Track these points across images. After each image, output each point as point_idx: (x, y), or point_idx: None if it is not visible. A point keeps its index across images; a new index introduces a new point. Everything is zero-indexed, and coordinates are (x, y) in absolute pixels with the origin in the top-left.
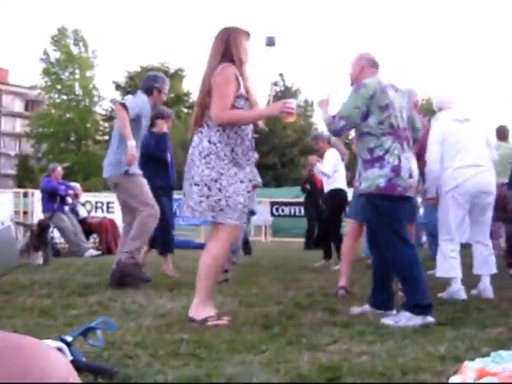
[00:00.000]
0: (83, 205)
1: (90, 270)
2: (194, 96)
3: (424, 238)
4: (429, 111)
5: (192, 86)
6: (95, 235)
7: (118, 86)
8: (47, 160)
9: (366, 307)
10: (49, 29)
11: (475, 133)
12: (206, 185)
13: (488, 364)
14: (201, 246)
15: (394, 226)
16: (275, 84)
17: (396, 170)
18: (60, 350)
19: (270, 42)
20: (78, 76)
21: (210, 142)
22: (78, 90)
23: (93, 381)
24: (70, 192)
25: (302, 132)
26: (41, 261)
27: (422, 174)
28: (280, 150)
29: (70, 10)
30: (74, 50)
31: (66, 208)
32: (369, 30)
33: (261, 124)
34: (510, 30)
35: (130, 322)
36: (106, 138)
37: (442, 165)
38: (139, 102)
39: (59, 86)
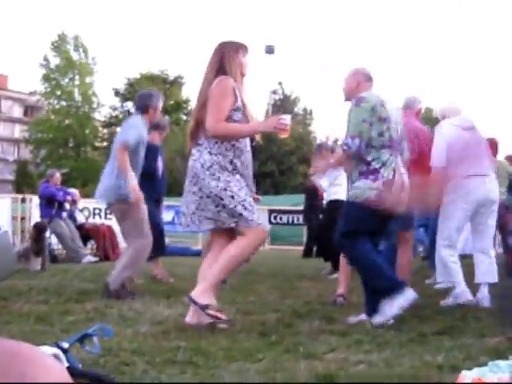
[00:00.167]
0: (81, 211)
1: (88, 276)
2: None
3: (420, 248)
4: (428, 120)
5: (191, 93)
6: (93, 241)
7: (117, 93)
8: (46, 166)
9: (363, 316)
10: (49, 35)
11: (480, 141)
12: (216, 195)
13: (485, 374)
14: (198, 253)
15: (356, 233)
16: (274, 92)
17: (388, 185)
18: (56, 356)
19: (269, 50)
20: (77, 82)
21: (210, 153)
22: (77, 97)
23: None
24: (68, 198)
25: (301, 140)
26: (39, 267)
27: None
28: (278, 158)
29: (70, 16)
30: (74, 56)
31: (64, 214)
32: (368, 39)
33: (257, 137)
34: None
35: (127, 328)
36: (105, 144)
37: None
38: (138, 131)
39: (59, 92)
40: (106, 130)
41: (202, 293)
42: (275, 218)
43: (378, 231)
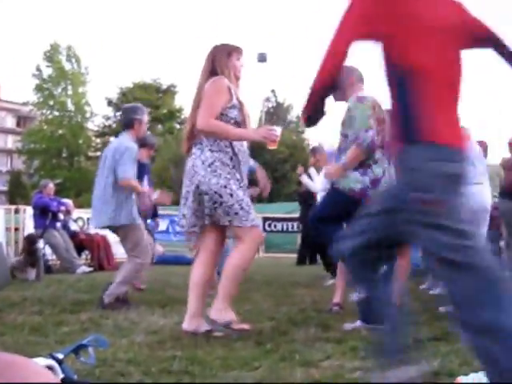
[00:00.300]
0: (75, 221)
1: (82, 286)
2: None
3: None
4: None
5: (184, 101)
6: (87, 251)
7: (110, 102)
8: (39, 176)
9: (358, 323)
10: (41, 45)
11: (475, 149)
12: (216, 192)
13: (482, 379)
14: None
15: (335, 219)
16: (267, 100)
17: (375, 183)
18: (51, 368)
19: (262, 59)
20: (70, 92)
21: (211, 150)
22: (70, 106)
23: None
24: (62, 208)
25: (294, 148)
26: (34, 277)
27: None
28: (272, 166)
29: (62, 26)
30: (67, 66)
31: (58, 224)
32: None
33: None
34: None
35: (122, 338)
36: (98, 154)
37: None
38: (134, 160)
39: (51, 102)
40: (99, 140)
41: (219, 312)
42: (269, 225)
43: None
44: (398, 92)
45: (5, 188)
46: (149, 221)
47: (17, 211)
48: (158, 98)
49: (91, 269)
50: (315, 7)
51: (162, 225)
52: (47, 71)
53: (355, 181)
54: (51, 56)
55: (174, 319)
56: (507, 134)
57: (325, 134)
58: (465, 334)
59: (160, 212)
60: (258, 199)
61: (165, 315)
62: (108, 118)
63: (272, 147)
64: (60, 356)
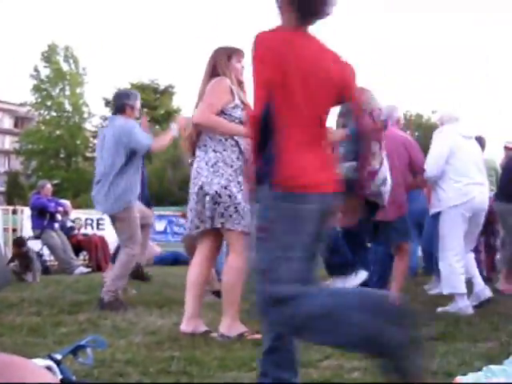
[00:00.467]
0: (73, 222)
1: (80, 287)
2: (184, 113)
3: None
4: (418, 126)
5: (182, 102)
6: (85, 252)
7: (107, 103)
8: (37, 177)
9: None
10: (39, 45)
11: (477, 150)
12: (216, 192)
13: (480, 379)
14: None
15: None
16: None
17: (372, 174)
18: (49, 368)
19: None
20: (68, 92)
21: (215, 151)
22: (67, 107)
23: None
24: (60, 209)
25: None
26: (37, 279)
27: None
28: None
29: (60, 27)
30: (64, 67)
31: (56, 225)
32: (358, 46)
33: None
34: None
35: (121, 339)
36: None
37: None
38: (137, 128)
39: (49, 103)
40: (96, 140)
41: (229, 328)
42: None
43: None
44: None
45: (2, 189)
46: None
47: (14, 212)
48: (156, 99)
49: (89, 269)
50: None
51: (160, 225)
52: (45, 72)
53: (352, 170)
54: (49, 56)
55: (172, 320)
56: (507, 133)
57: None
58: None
59: (157, 213)
60: None
61: (163, 316)
62: (105, 119)
63: None
64: (58, 357)
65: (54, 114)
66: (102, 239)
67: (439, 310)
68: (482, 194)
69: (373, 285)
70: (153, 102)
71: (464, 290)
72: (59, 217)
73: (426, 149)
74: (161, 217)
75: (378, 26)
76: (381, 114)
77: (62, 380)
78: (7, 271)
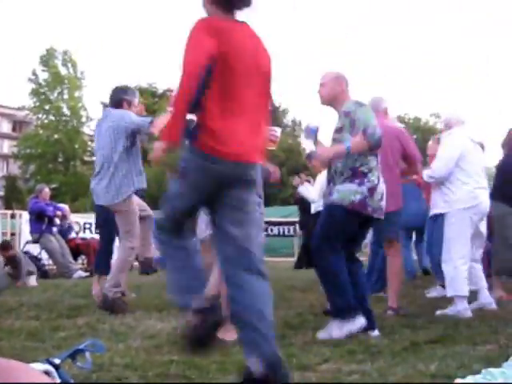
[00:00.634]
0: (71, 226)
1: (79, 291)
2: None
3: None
4: (417, 129)
5: None
6: (83, 256)
7: (105, 107)
8: (35, 181)
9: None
10: (37, 49)
11: (482, 156)
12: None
13: (479, 381)
14: None
15: (338, 238)
16: None
17: (371, 191)
18: (48, 373)
19: None
20: (66, 96)
21: None
22: (66, 111)
23: None
24: (58, 213)
25: (290, 151)
26: (35, 283)
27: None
28: (268, 170)
29: (58, 31)
30: (63, 71)
31: (54, 229)
32: (356, 50)
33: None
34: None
35: (119, 343)
36: (94, 158)
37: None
38: (133, 115)
39: (47, 107)
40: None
41: (229, 332)
42: (266, 229)
43: (356, 239)
44: None
45: (1, 193)
46: None
47: (13, 216)
48: (154, 103)
49: (88, 273)
50: (312, 12)
51: None
52: (43, 76)
53: (354, 192)
54: (47, 60)
55: (171, 323)
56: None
57: (323, 137)
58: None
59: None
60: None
61: (162, 319)
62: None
63: (272, 147)
64: (57, 361)
65: (52, 118)
66: None
67: (438, 312)
68: (486, 198)
69: (371, 286)
70: (151, 106)
71: (466, 292)
72: (57, 221)
73: (424, 152)
74: None
75: (377, 26)
76: (375, 132)
77: None
78: (4, 276)
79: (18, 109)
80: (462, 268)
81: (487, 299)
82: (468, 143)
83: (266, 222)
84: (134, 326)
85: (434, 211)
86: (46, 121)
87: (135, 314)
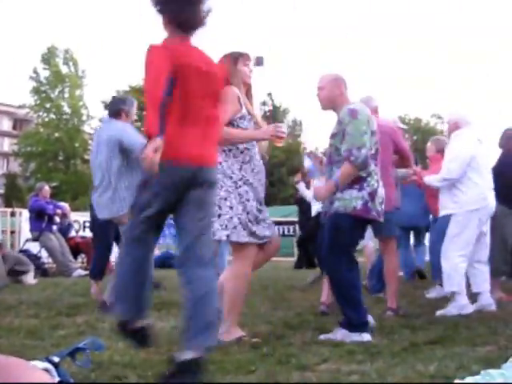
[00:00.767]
0: (71, 224)
1: (78, 290)
2: None
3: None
4: (417, 130)
5: None
6: (83, 255)
7: (106, 106)
8: (35, 179)
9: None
10: (39, 47)
11: (489, 156)
12: (215, 204)
13: (478, 382)
14: None
15: (348, 247)
16: (263, 103)
17: (372, 195)
18: (47, 371)
19: (259, 62)
20: (67, 95)
21: None
22: (66, 109)
23: None
24: (58, 211)
25: (290, 152)
26: (32, 281)
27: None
28: (268, 170)
29: (60, 29)
30: (64, 69)
31: (54, 227)
32: (356, 51)
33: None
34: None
35: (119, 342)
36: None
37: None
38: (131, 130)
39: (48, 105)
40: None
41: (226, 333)
42: None
43: (388, 231)
44: None
45: (1, 191)
46: None
47: (13, 214)
48: None
49: (87, 272)
50: (312, 11)
51: None
52: (44, 74)
53: (355, 198)
54: (48, 59)
55: (171, 323)
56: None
57: (322, 139)
58: None
59: None
60: None
61: (161, 318)
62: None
63: (279, 144)
64: (56, 359)
65: (52, 116)
66: None
67: (438, 313)
68: (494, 199)
69: (372, 287)
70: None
71: (463, 288)
72: (57, 219)
73: (424, 152)
74: None
75: (377, 26)
76: (359, 155)
77: (59, 382)
78: (3, 274)
79: (19, 107)
80: (460, 265)
81: (487, 301)
82: (477, 144)
83: None
84: None
85: (442, 212)
86: (46, 119)
87: None
